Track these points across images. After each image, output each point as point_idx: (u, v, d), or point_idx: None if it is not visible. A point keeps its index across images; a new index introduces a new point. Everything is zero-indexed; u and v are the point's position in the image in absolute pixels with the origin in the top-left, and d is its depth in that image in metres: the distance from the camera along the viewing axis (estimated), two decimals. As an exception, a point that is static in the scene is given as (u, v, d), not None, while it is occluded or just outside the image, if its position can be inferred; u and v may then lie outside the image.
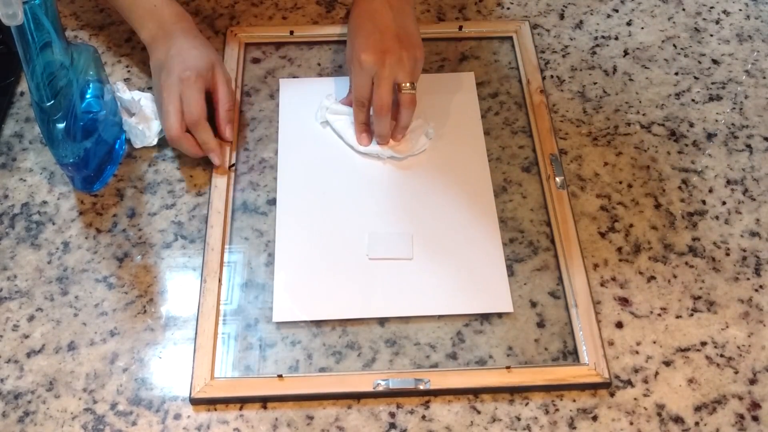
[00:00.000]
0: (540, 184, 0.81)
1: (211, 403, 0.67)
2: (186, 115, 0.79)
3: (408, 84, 0.80)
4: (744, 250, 0.77)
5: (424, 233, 0.77)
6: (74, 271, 0.75)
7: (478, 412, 0.67)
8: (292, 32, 0.92)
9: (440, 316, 0.72)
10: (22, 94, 0.88)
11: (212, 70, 0.81)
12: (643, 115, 0.87)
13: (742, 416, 0.67)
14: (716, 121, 0.87)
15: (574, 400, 0.68)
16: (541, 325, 0.72)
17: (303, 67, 0.91)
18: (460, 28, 0.94)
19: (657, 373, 0.69)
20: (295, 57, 0.92)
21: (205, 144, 0.80)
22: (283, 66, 0.91)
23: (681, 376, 0.69)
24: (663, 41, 0.94)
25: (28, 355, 0.70)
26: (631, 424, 0.66)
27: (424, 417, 0.67)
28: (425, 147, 0.83)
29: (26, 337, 0.71)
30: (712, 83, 0.90)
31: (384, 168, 0.82)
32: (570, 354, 0.70)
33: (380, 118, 0.80)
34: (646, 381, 0.69)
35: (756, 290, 0.74)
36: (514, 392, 0.68)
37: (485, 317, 0.72)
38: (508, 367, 0.68)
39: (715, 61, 0.92)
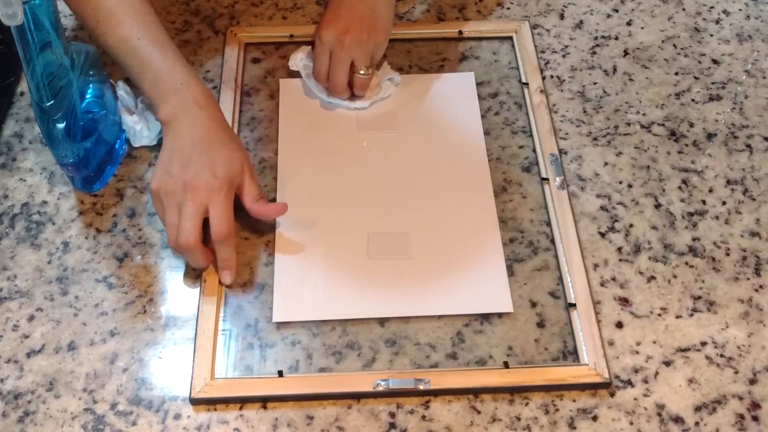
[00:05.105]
0: (540, 184, 0.81)
1: (211, 403, 0.67)
2: (214, 230, 0.71)
3: (363, 67, 0.82)
4: (744, 250, 0.77)
5: (424, 233, 0.77)
6: (74, 271, 0.75)
7: (478, 412, 0.67)
8: (292, 36, 0.92)
9: (440, 316, 0.72)
10: (22, 94, 0.88)
11: (242, 174, 0.73)
12: (643, 115, 0.87)
13: (742, 416, 0.67)
14: (716, 121, 0.87)
15: (574, 400, 0.68)
16: (541, 325, 0.72)
17: (303, 67, 0.91)
18: (460, 30, 0.94)
19: (657, 373, 0.69)
20: (295, 57, 0.92)
21: (226, 261, 0.72)
22: (283, 66, 0.91)
23: (681, 376, 0.69)
24: (663, 41, 0.94)
25: (28, 355, 0.70)
26: (631, 424, 0.66)
27: (424, 417, 0.67)
28: (391, 93, 0.86)
29: (26, 337, 0.71)
30: (712, 83, 0.90)
31: (384, 168, 0.82)
32: (570, 354, 0.70)
33: (336, 95, 0.84)
34: (646, 381, 0.69)
35: (756, 290, 0.74)
36: (514, 392, 0.68)
37: (485, 317, 0.72)
38: (505, 363, 0.69)
39: (715, 61, 0.92)
